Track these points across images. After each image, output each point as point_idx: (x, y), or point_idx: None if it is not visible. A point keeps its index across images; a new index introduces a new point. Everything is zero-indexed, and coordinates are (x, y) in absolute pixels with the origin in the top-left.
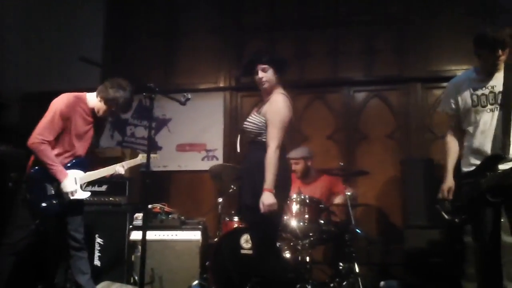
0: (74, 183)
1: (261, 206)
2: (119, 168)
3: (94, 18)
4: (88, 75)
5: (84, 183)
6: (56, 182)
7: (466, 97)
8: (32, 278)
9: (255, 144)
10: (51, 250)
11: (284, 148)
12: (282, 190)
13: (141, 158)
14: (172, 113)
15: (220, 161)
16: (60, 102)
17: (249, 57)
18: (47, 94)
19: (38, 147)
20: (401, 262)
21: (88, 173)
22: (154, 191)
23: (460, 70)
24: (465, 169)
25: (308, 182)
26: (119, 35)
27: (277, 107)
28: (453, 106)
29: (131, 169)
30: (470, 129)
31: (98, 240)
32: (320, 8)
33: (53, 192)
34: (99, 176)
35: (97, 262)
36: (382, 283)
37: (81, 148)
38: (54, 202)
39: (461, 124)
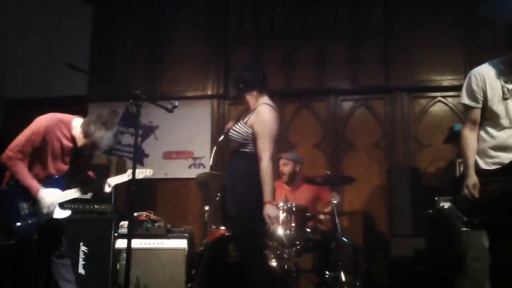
0: (50, 199)
1: (267, 219)
2: (105, 187)
3: (81, 25)
4: (73, 82)
5: (63, 202)
6: (32, 200)
7: (496, 88)
8: (14, 286)
9: (239, 154)
10: (33, 261)
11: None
12: (253, 203)
13: (128, 174)
14: (159, 121)
15: (207, 169)
16: (42, 122)
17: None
18: (31, 101)
19: (11, 162)
20: (387, 271)
21: (67, 191)
22: (140, 199)
23: (445, 80)
24: (487, 166)
25: (294, 188)
26: (106, 42)
27: (264, 118)
28: (480, 97)
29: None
30: (498, 123)
31: (83, 248)
32: (305, 18)
33: (27, 211)
34: (79, 195)
35: (81, 270)
36: None
37: (57, 169)
38: (29, 221)
39: (482, 117)
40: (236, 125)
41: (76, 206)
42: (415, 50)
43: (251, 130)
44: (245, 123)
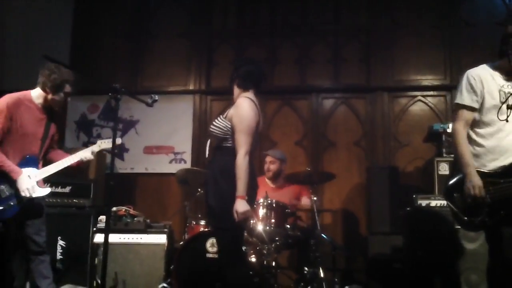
0: (29, 180)
1: (235, 214)
2: (87, 154)
3: (62, 18)
4: None
5: (41, 179)
6: (12, 183)
7: (493, 92)
8: None
9: (220, 149)
10: (10, 252)
11: (251, 154)
12: (249, 197)
13: (99, 144)
14: (140, 115)
15: (188, 164)
16: (3, 101)
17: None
18: (10, 93)
19: None
20: (365, 268)
21: (43, 168)
22: (119, 193)
23: (425, 80)
24: (484, 168)
25: (276, 187)
26: (87, 36)
27: (242, 112)
28: (478, 99)
29: (96, 171)
30: (494, 125)
31: (61, 242)
32: (289, 16)
33: (7, 193)
34: (57, 170)
35: (59, 265)
36: None
37: (32, 146)
38: (12, 203)
39: (476, 120)
40: (216, 120)
41: (54, 200)
42: (397, 50)
43: (230, 124)
44: (225, 117)
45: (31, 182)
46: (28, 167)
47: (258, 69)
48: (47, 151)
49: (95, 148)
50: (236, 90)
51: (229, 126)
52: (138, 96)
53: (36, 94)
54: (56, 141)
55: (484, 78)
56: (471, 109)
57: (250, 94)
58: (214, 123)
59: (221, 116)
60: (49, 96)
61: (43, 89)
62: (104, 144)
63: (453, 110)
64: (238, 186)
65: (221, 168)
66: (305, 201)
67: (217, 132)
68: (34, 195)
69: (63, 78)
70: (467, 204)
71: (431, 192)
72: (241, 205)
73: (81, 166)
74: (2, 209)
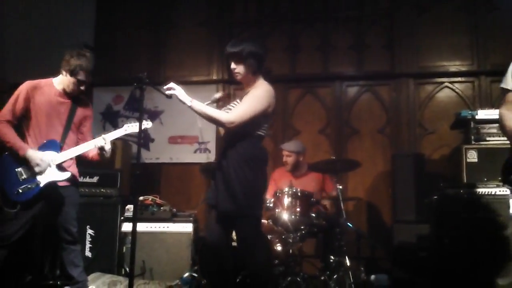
0: (43, 155)
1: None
2: (99, 141)
3: (84, 10)
4: None
5: (61, 163)
6: (28, 165)
7: None
8: (21, 269)
9: (241, 136)
10: (38, 240)
11: (262, 138)
12: (259, 188)
13: (125, 129)
14: (164, 105)
15: (213, 154)
16: (22, 86)
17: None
18: None
19: None
20: (391, 257)
21: (62, 152)
22: (145, 183)
23: (452, 66)
24: None
25: (298, 176)
26: (109, 27)
27: (258, 90)
28: None
29: (123, 160)
30: None
31: (89, 231)
32: (311, 3)
33: (25, 176)
34: (76, 154)
35: (88, 253)
36: (372, 277)
37: (52, 130)
38: (29, 186)
39: None
40: (233, 104)
41: (82, 190)
42: (421, 35)
43: None
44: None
45: (42, 158)
46: (47, 150)
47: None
48: (78, 140)
49: (109, 135)
50: (240, 69)
51: None
52: (159, 87)
53: (58, 80)
54: (87, 130)
55: None
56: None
57: (264, 81)
58: (230, 107)
59: (238, 100)
60: (66, 79)
61: (62, 72)
62: (130, 128)
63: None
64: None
65: (246, 156)
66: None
67: None
68: (53, 179)
69: (77, 63)
70: None
71: (459, 180)
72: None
73: (102, 158)
74: (20, 192)
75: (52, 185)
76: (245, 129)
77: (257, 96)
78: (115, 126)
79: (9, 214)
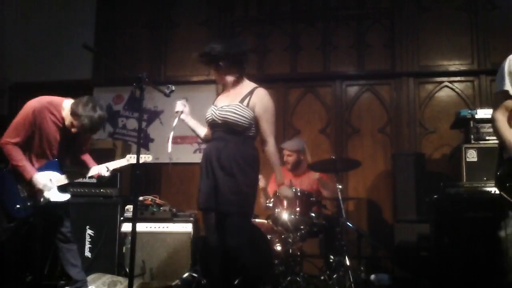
0: (47, 180)
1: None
2: (102, 170)
3: (85, 9)
4: (77, 67)
5: (62, 185)
6: (31, 184)
7: None
8: (21, 270)
9: (241, 137)
10: (39, 241)
11: (255, 138)
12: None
13: (127, 159)
14: (164, 105)
15: None
16: (31, 105)
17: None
18: (36, 85)
19: (6, 147)
20: (391, 256)
21: (65, 175)
22: (145, 183)
23: (452, 65)
24: None
25: (298, 174)
26: (110, 27)
27: (267, 102)
28: None
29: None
30: None
31: (89, 231)
32: (312, 2)
33: (26, 193)
34: (76, 179)
35: (87, 253)
36: (372, 276)
37: (53, 153)
38: (28, 203)
39: None
40: (237, 108)
41: (82, 190)
42: (422, 34)
43: (253, 113)
44: (247, 106)
45: (46, 184)
46: (50, 170)
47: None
48: (76, 154)
49: (112, 165)
50: (231, 76)
51: (252, 115)
52: (158, 86)
53: (67, 106)
54: (87, 144)
55: None
56: (509, 94)
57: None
58: (236, 111)
59: (241, 104)
60: (69, 117)
61: (70, 108)
62: (132, 159)
63: (494, 96)
64: (277, 173)
65: (249, 158)
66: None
67: (241, 120)
68: (53, 199)
69: (81, 119)
70: None
71: (459, 179)
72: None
73: (99, 180)
74: (19, 207)
75: (50, 203)
76: (246, 132)
77: (271, 109)
78: (115, 126)
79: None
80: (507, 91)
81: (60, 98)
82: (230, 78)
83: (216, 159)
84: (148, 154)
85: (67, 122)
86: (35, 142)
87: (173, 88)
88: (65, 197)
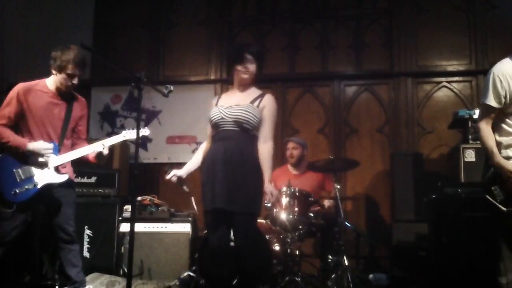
0: (41, 144)
1: (269, 196)
2: (98, 146)
3: (83, 10)
4: None
5: (58, 165)
6: (25, 165)
7: None
8: (20, 269)
9: (253, 137)
10: (37, 241)
11: None
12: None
13: (124, 135)
14: (162, 105)
15: None
16: (16, 88)
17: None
18: None
19: None
20: (389, 256)
21: (61, 155)
22: (143, 183)
23: (450, 66)
24: None
25: (299, 174)
26: (108, 27)
27: (274, 107)
28: (504, 98)
29: (121, 161)
30: None
31: (87, 231)
32: (310, 2)
33: (23, 177)
34: (74, 157)
35: (86, 253)
36: (371, 276)
37: (49, 132)
38: (27, 187)
39: (504, 113)
40: (250, 108)
41: (81, 190)
42: (420, 34)
43: (261, 115)
44: (257, 107)
45: (45, 147)
46: None
47: None
48: (74, 140)
49: (108, 141)
50: (253, 69)
51: (260, 117)
52: (156, 86)
53: (51, 80)
54: (83, 129)
55: (509, 75)
56: (495, 109)
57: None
58: (248, 110)
59: (252, 105)
60: (57, 77)
61: (52, 72)
62: (129, 134)
63: (480, 107)
64: (268, 172)
65: (257, 158)
66: (327, 203)
67: (253, 120)
68: (51, 181)
69: (64, 57)
70: (507, 193)
71: (457, 179)
72: (272, 187)
73: (98, 161)
74: (17, 192)
75: (49, 187)
76: (253, 131)
77: (276, 114)
78: (113, 126)
79: (5, 214)
80: (490, 105)
81: (40, 80)
82: (253, 80)
83: (225, 158)
84: (145, 129)
85: (64, 84)
86: (29, 124)
87: (172, 88)
88: (63, 177)
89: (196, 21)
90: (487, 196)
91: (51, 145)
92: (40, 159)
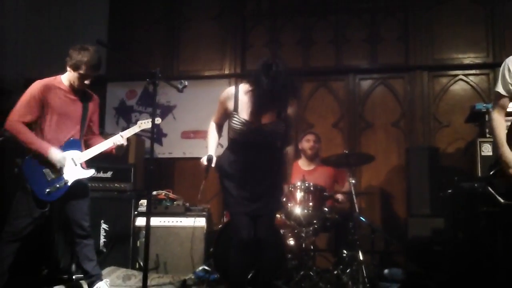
0: (63, 157)
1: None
2: (118, 138)
3: (98, 5)
4: None
5: (84, 162)
6: (53, 165)
7: None
8: (37, 262)
9: (276, 150)
10: (55, 234)
11: None
12: None
13: (139, 125)
14: (176, 100)
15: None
16: (34, 85)
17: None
18: None
19: (15, 127)
20: (405, 251)
21: (85, 151)
22: (159, 177)
23: (466, 58)
24: None
25: (312, 169)
26: (123, 22)
27: (296, 110)
28: (510, 87)
29: (136, 155)
30: None
31: (104, 226)
32: None
33: (53, 176)
34: (98, 152)
35: (102, 247)
36: (386, 271)
37: (71, 129)
38: (58, 186)
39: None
40: (277, 125)
41: (97, 185)
42: (436, 27)
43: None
44: (284, 117)
45: (64, 156)
46: (71, 149)
47: None
48: (88, 136)
49: (126, 133)
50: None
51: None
52: (171, 81)
53: (65, 77)
54: (96, 125)
55: None
56: (505, 96)
57: None
58: (278, 130)
59: (279, 121)
60: (71, 75)
61: (67, 69)
62: (144, 124)
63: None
64: (289, 174)
65: (283, 159)
66: (346, 187)
67: (281, 137)
68: (79, 177)
69: (79, 57)
70: (509, 186)
71: (474, 173)
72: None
73: (117, 152)
74: (48, 191)
75: (77, 183)
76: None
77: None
78: (129, 121)
79: (24, 210)
80: (499, 92)
81: (55, 76)
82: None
83: (257, 166)
84: (158, 118)
85: (76, 83)
86: (50, 123)
87: (186, 83)
88: (90, 172)
89: (210, 16)
90: (489, 188)
91: (68, 156)
92: (58, 166)
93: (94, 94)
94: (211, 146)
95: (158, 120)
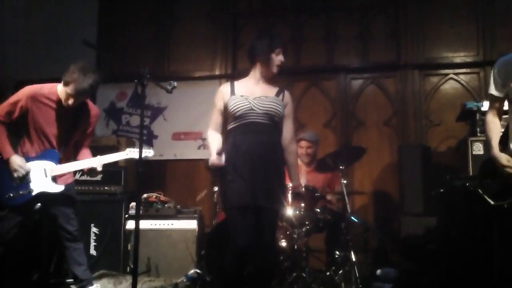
0: (21, 162)
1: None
2: (95, 162)
3: (88, 5)
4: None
5: (56, 175)
6: (26, 172)
7: None
8: (28, 267)
9: (280, 132)
10: (45, 239)
11: None
12: None
13: (127, 153)
14: (167, 101)
15: None
16: (24, 90)
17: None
18: (41, 82)
19: None
20: (398, 249)
21: (60, 165)
22: (149, 180)
23: (458, 57)
24: None
25: (311, 170)
26: (113, 22)
27: (293, 104)
28: (503, 88)
29: (127, 159)
30: None
31: (94, 229)
32: None
33: (18, 182)
34: (71, 170)
35: (92, 251)
36: (378, 271)
37: (52, 140)
38: (21, 192)
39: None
40: (277, 100)
41: (86, 188)
42: (427, 25)
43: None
44: (282, 101)
45: (21, 165)
46: (46, 160)
47: None
48: (76, 148)
49: (105, 158)
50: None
51: (283, 112)
52: (160, 82)
53: (61, 87)
54: (88, 138)
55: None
56: (498, 97)
57: None
58: (278, 102)
59: (278, 98)
60: (62, 89)
61: (62, 81)
62: (132, 153)
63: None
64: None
65: (282, 152)
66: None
67: (282, 114)
68: (45, 190)
69: (72, 78)
70: (499, 187)
71: (465, 172)
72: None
73: (89, 174)
74: (11, 195)
75: (43, 194)
76: (280, 124)
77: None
78: (119, 123)
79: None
80: (492, 94)
81: (51, 84)
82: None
83: (260, 153)
84: (150, 149)
85: (63, 97)
86: (30, 129)
87: (175, 84)
88: (58, 188)
89: (201, 15)
90: (478, 189)
91: (28, 168)
92: (13, 173)
93: (94, 108)
94: (216, 143)
95: (149, 152)
